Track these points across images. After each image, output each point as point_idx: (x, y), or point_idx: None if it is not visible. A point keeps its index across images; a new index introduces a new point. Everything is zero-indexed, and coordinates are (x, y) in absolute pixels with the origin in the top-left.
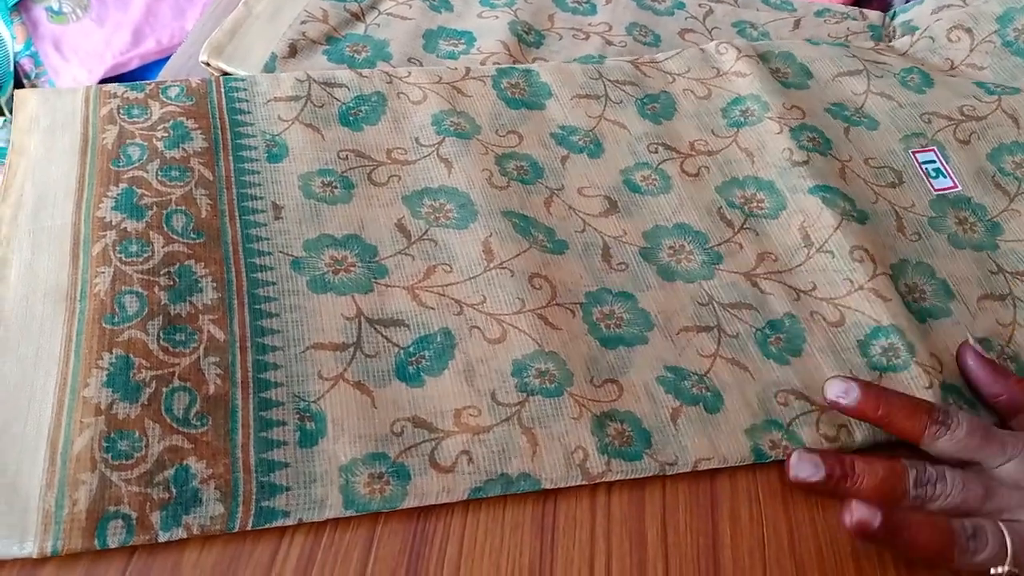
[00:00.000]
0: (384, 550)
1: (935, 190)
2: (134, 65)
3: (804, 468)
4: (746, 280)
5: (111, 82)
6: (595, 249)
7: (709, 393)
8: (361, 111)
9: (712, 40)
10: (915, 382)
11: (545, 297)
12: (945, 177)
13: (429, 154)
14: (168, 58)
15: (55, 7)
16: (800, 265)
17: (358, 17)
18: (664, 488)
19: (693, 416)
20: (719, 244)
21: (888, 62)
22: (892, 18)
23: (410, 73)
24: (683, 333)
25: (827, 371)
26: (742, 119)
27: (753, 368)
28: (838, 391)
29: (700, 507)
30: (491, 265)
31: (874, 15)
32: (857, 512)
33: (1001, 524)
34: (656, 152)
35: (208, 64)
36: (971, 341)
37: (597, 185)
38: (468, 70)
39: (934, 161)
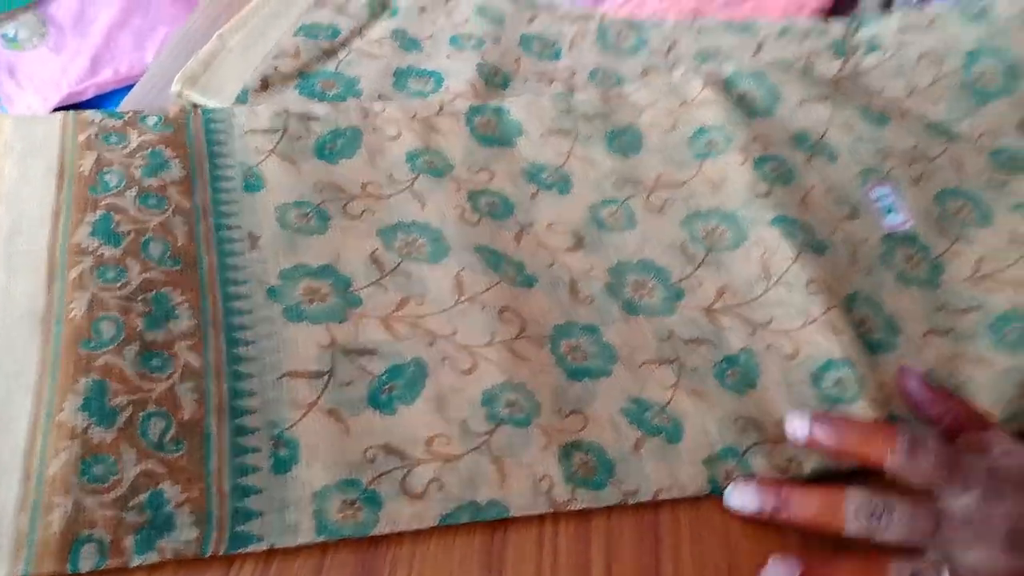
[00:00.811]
0: None
1: (887, 227)
2: (90, 94)
3: (739, 498)
4: (705, 315)
5: (64, 111)
6: (563, 283)
7: (670, 424)
8: (337, 145)
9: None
10: (864, 414)
11: (514, 330)
12: (897, 213)
13: (403, 190)
14: (126, 88)
15: (11, 34)
16: (758, 298)
17: (329, 54)
18: (609, 520)
19: (655, 446)
20: (680, 280)
21: (849, 92)
22: (856, 30)
23: (385, 108)
24: (645, 366)
25: (780, 403)
26: (707, 150)
27: (712, 399)
28: (798, 426)
29: (644, 541)
30: (462, 298)
31: (837, 27)
32: (772, 572)
33: (946, 570)
34: (622, 188)
35: (180, 95)
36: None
37: (565, 221)
38: (441, 106)
39: (889, 196)
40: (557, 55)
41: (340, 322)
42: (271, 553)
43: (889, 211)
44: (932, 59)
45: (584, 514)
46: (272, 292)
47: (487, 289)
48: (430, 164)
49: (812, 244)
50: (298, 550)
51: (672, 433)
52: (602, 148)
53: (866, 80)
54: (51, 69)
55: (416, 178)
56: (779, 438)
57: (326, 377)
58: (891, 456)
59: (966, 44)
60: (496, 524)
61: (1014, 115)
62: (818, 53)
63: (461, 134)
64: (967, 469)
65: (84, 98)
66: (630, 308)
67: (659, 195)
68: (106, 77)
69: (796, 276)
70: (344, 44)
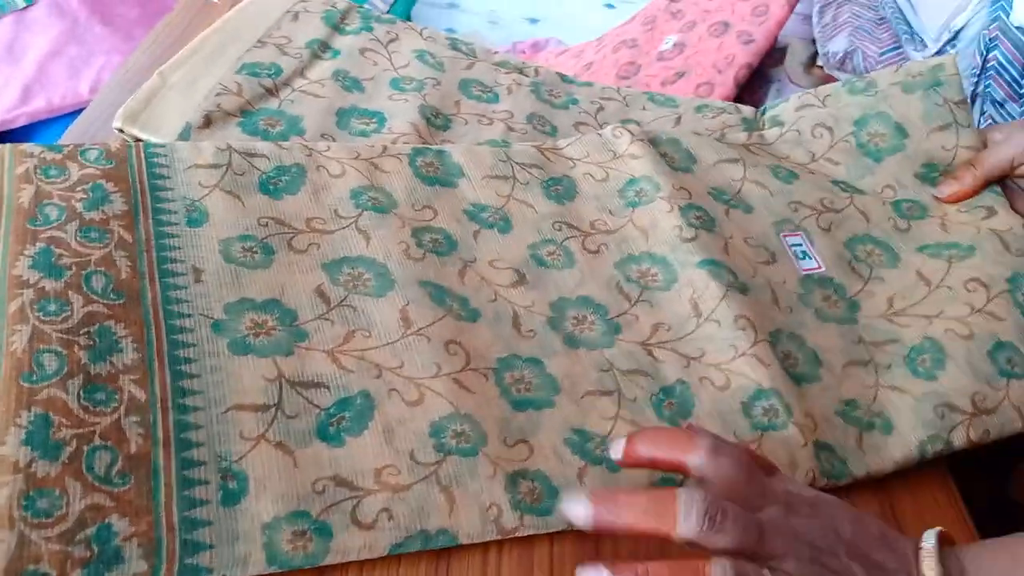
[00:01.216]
0: None
1: (803, 271)
2: (21, 123)
3: (572, 511)
4: (642, 349)
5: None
6: (506, 317)
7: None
8: (281, 181)
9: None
10: (792, 440)
11: (460, 362)
12: (811, 259)
13: (348, 225)
14: (61, 117)
15: None
16: (690, 334)
17: (272, 92)
18: (551, 545)
19: (597, 475)
20: (618, 316)
21: (759, 155)
22: (763, 114)
23: (329, 147)
24: (587, 397)
25: (714, 432)
26: (637, 199)
27: None
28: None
29: None
30: (408, 332)
31: (748, 110)
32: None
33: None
34: (560, 230)
35: (121, 131)
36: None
37: (507, 258)
38: (385, 148)
39: (801, 244)
40: (495, 98)
41: (286, 355)
42: None
43: (803, 257)
44: (824, 128)
45: (527, 540)
46: (217, 326)
47: (433, 323)
48: (374, 201)
49: (737, 285)
50: None
51: (612, 462)
52: (540, 194)
53: (771, 149)
54: None
55: (361, 214)
56: None
57: (273, 410)
58: (690, 458)
59: (853, 114)
60: (441, 551)
61: (909, 168)
62: (730, 126)
63: (404, 173)
64: (763, 482)
65: (15, 126)
66: (571, 341)
67: (594, 239)
68: (38, 106)
69: (724, 313)
70: (286, 83)
